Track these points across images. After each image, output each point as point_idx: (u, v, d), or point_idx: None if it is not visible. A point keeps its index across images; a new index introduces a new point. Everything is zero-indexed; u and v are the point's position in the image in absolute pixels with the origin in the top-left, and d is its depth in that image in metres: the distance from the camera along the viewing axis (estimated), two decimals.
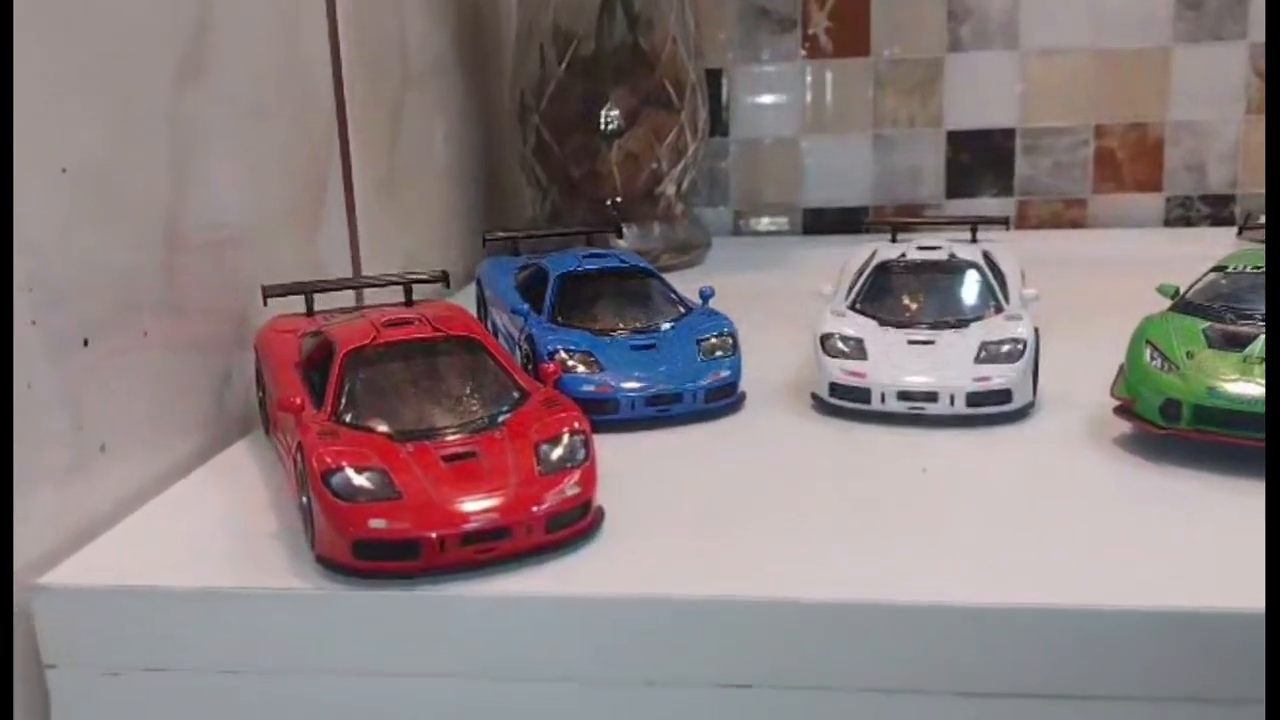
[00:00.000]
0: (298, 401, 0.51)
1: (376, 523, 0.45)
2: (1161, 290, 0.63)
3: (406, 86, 0.95)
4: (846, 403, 0.64)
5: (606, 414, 0.63)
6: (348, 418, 0.51)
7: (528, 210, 1.14)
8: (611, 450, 0.60)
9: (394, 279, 0.66)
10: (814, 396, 0.66)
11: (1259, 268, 0.60)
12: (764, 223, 1.32)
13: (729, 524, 0.51)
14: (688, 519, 0.52)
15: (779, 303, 0.84)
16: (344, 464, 0.46)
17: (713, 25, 1.25)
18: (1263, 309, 0.58)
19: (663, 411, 0.64)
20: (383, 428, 0.50)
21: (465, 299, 0.85)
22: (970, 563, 0.47)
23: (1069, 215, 1.26)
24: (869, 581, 0.45)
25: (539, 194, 1.11)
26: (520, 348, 0.69)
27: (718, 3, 1.25)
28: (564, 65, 1.05)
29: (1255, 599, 0.42)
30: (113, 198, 0.56)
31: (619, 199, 1.07)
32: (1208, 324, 0.57)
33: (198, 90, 0.64)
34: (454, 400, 0.52)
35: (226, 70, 0.67)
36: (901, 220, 0.81)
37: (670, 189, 1.09)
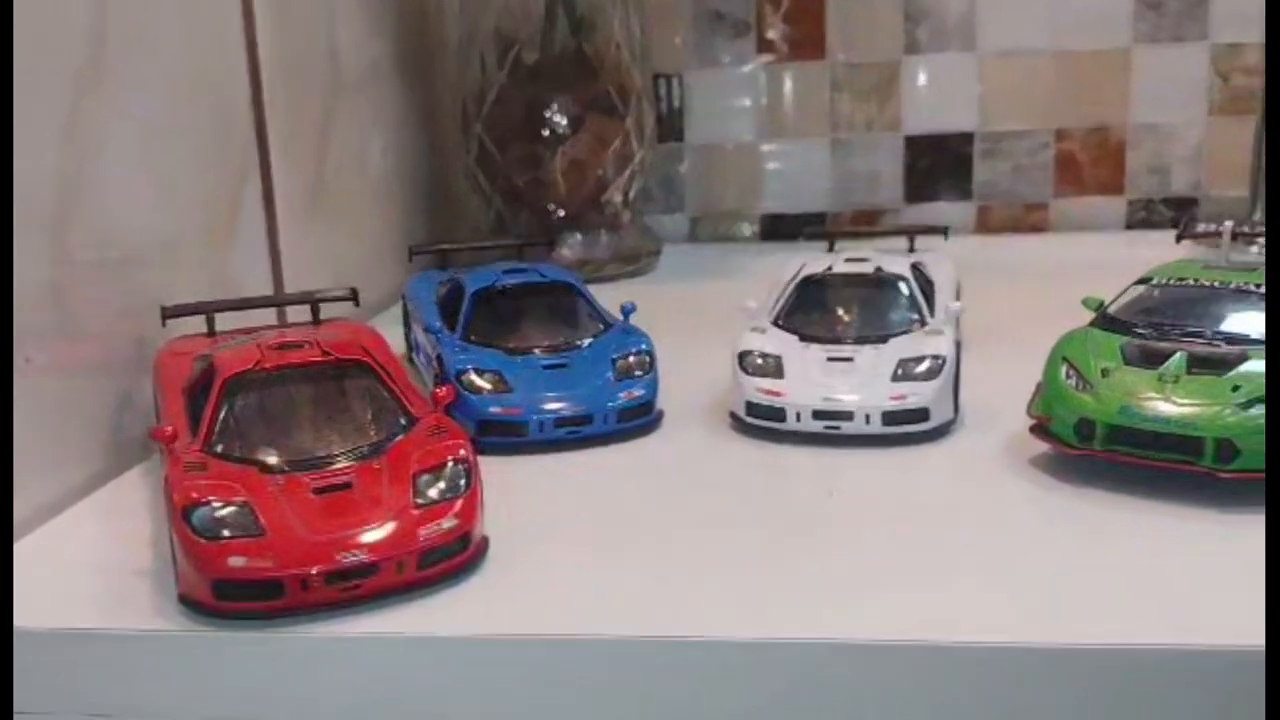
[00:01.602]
0: (169, 431, 0.49)
1: (236, 561, 0.43)
2: (1086, 303, 0.61)
3: (338, 95, 0.93)
4: (763, 422, 0.62)
5: (515, 436, 0.62)
6: (219, 448, 0.48)
7: (475, 222, 1.12)
8: (517, 474, 0.59)
9: (295, 298, 0.64)
10: (732, 415, 0.64)
11: (1183, 280, 0.58)
12: (722, 229, 1.30)
13: (621, 555, 0.49)
14: (580, 549, 0.50)
15: (722, 314, 0.82)
16: (205, 499, 0.44)
17: (667, 29, 1.23)
18: (1186, 324, 0.56)
19: (573, 433, 0.62)
20: (256, 458, 0.48)
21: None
22: (865, 596, 0.44)
23: (1030, 220, 1.24)
24: (758, 618, 0.43)
25: (484, 204, 1.09)
26: (433, 367, 0.67)
27: (671, 7, 1.23)
28: (505, 71, 1.03)
29: (1166, 633, 0.41)
30: None
31: (564, 208, 1.05)
32: (1126, 340, 0.55)
33: (94, 103, 0.62)
34: (336, 428, 0.50)
35: (128, 81, 0.65)
36: (838, 230, 0.79)
37: (617, 197, 1.07)
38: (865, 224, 1.23)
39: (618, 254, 1.07)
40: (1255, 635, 0.40)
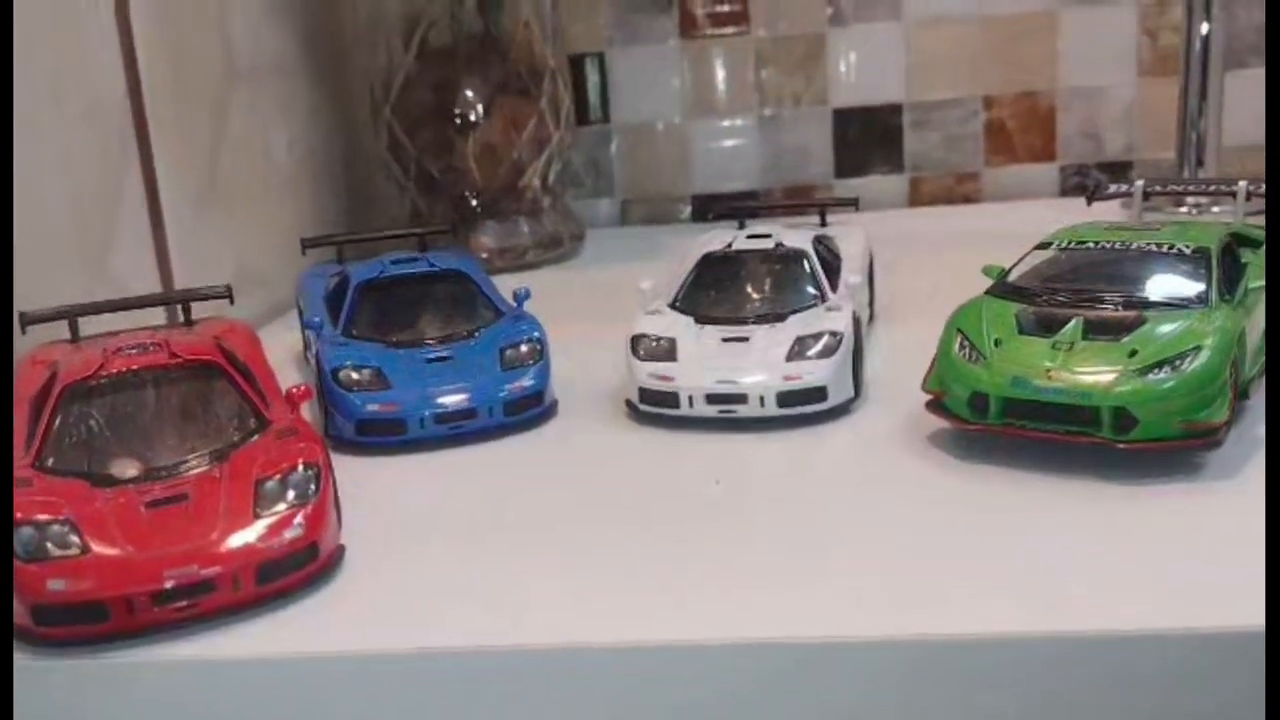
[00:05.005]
0: None
1: (55, 584, 0.40)
2: (987, 271, 0.58)
3: (232, 85, 0.89)
4: (656, 409, 0.59)
5: (396, 435, 0.58)
6: (50, 461, 0.45)
7: (393, 213, 1.09)
8: (394, 475, 0.56)
9: (161, 298, 0.60)
10: (628, 403, 0.61)
11: (1084, 243, 0.56)
12: (654, 212, 1.26)
13: (491, 559, 0.46)
14: (446, 555, 0.47)
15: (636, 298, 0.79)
16: (26, 518, 0.41)
17: (588, 8, 1.20)
18: (1087, 288, 0.53)
19: (457, 429, 0.59)
20: (89, 471, 0.45)
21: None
22: (748, 594, 0.42)
23: (962, 190, 1.21)
24: (635, 623, 0.41)
25: (399, 194, 1.05)
26: (312, 365, 0.63)
27: None
28: (412, 55, 0.99)
29: (1064, 619, 0.38)
30: None
31: (480, 194, 1.02)
32: (1022, 308, 0.53)
33: None
34: (181, 435, 0.47)
35: None
36: (747, 206, 0.76)
37: (535, 181, 1.04)
38: (798, 201, 1.20)
39: (538, 240, 1.03)
40: (1157, 617, 0.38)
